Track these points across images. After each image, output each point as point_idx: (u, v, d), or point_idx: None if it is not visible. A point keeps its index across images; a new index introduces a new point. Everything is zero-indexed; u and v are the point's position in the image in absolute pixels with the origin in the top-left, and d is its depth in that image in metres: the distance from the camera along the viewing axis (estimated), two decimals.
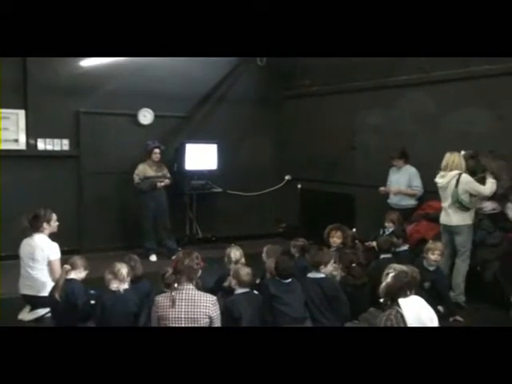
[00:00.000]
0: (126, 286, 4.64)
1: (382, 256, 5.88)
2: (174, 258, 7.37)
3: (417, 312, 3.71)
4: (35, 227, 5.58)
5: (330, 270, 5.06)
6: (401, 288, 3.81)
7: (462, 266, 6.03)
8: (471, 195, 5.97)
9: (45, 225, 5.62)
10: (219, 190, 9.27)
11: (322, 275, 4.92)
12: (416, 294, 3.93)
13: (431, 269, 5.60)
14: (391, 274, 3.93)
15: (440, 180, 6.17)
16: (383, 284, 3.91)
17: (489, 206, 6.18)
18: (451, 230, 6.09)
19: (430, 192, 6.74)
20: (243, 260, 5.33)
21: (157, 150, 8.21)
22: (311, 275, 4.93)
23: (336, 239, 6.11)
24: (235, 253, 5.35)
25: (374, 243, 6.58)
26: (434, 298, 5.08)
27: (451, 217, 6.05)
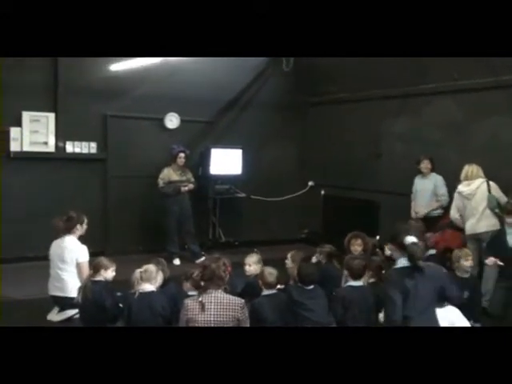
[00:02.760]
0: (152, 288, 4.69)
1: None
2: (198, 261, 7.50)
3: (451, 322, 3.73)
4: (68, 229, 5.67)
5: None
6: None
7: (491, 273, 5.92)
8: None
9: (78, 226, 5.73)
10: (243, 194, 9.31)
11: (361, 283, 4.90)
12: (456, 305, 3.94)
13: (466, 276, 5.42)
14: None
15: (466, 188, 6.14)
16: None
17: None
18: (479, 238, 6.04)
19: None
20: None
21: (182, 155, 8.26)
22: (352, 283, 4.88)
23: (357, 247, 6.06)
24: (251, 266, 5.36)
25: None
26: (470, 310, 4.96)
27: (480, 224, 6.02)
